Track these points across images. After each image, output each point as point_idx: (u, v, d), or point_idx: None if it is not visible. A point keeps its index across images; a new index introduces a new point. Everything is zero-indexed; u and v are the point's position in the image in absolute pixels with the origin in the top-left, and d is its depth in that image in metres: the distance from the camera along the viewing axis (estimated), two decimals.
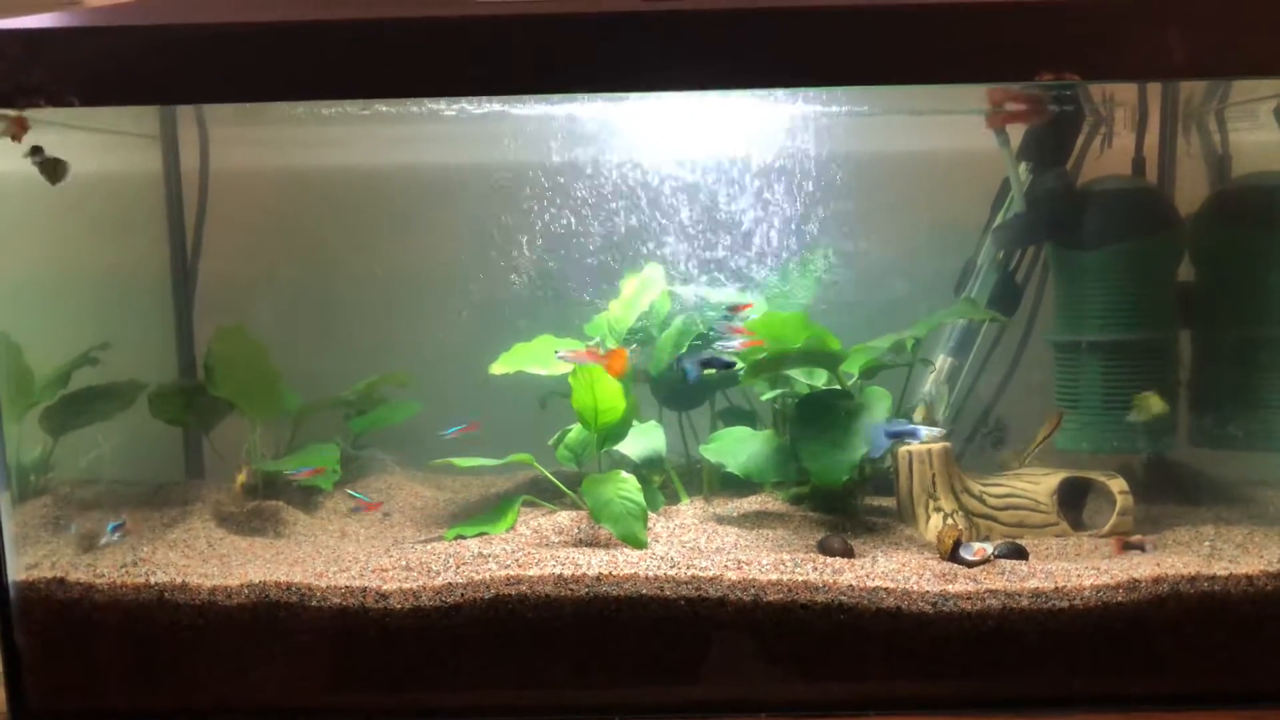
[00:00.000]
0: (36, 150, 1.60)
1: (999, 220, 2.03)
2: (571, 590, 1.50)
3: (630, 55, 1.42)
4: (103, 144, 1.97)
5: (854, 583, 1.50)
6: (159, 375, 2.09)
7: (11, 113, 1.53)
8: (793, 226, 1.96)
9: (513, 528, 1.77)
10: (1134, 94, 1.92)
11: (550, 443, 1.94)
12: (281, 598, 1.52)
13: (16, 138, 1.57)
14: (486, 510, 1.86)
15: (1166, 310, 1.94)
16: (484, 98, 1.66)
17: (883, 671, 1.51)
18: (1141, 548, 1.68)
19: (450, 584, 1.52)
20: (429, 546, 1.70)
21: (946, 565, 1.57)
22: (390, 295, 2.18)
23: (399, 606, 1.51)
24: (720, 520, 1.81)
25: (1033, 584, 1.51)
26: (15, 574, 1.55)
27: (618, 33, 1.41)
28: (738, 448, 1.87)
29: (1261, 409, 1.89)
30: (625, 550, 1.63)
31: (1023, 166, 2.00)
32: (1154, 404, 1.82)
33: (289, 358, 2.04)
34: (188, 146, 2.14)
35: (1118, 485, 1.81)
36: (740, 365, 1.79)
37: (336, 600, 1.51)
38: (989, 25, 1.40)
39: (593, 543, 1.70)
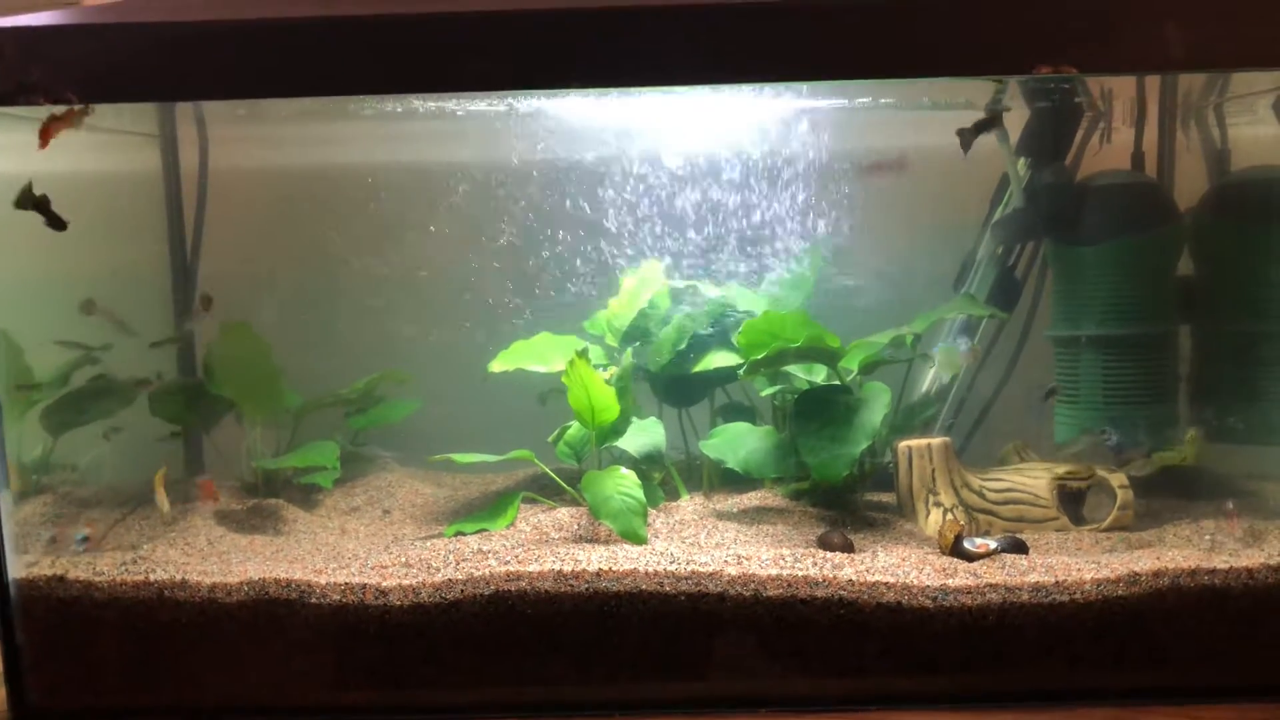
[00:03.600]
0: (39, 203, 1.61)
1: (998, 215, 2.03)
2: (571, 586, 1.50)
3: (626, 51, 1.42)
4: (101, 143, 1.97)
5: (854, 578, 1.50)
6: (160, 373, 2.09)
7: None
8: (791, 223, 1.96)
9: (513, 524, 1.76)
10: (1132, 88, 1.92)
11: (550, 439, 1.94)
12: (281, 595, 1.52)
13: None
14: (486, 507, 1.86)
15: (1166, 305, 1.94)
16: (486, 94, 1.66)
17: (883, 666, 1.51)
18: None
19: (450, 580, 1.52)
20: (429, 543, 1.70)
21: (947, 560, 1.57)
22: (389, 294, 2.18)
23: (399, 603, 1.51)
24: (720, 516, 1.81)
25: (1033, 578, 1.51)
26: (15, 572, 1.55)
27: (616, 27, 1.41)
28: (738, 443, 1.87)
29: (1261, 403, 1.89)
30: (625, 546, 1.63)
31: (1022, 162, 2.00)
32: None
33: (288, 356, 2.04)
34: (187, 145, 2.14)
35: (1118, 480, 1.81)
36: None
37: (336, 597, 1.51)
38: (985, 17, 1.39)
39: (593, 539, 1.70)
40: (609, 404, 1.80)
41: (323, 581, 1.52)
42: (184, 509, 1.86)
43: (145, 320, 2.17)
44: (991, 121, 1.73)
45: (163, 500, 1.81)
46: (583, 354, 1.77)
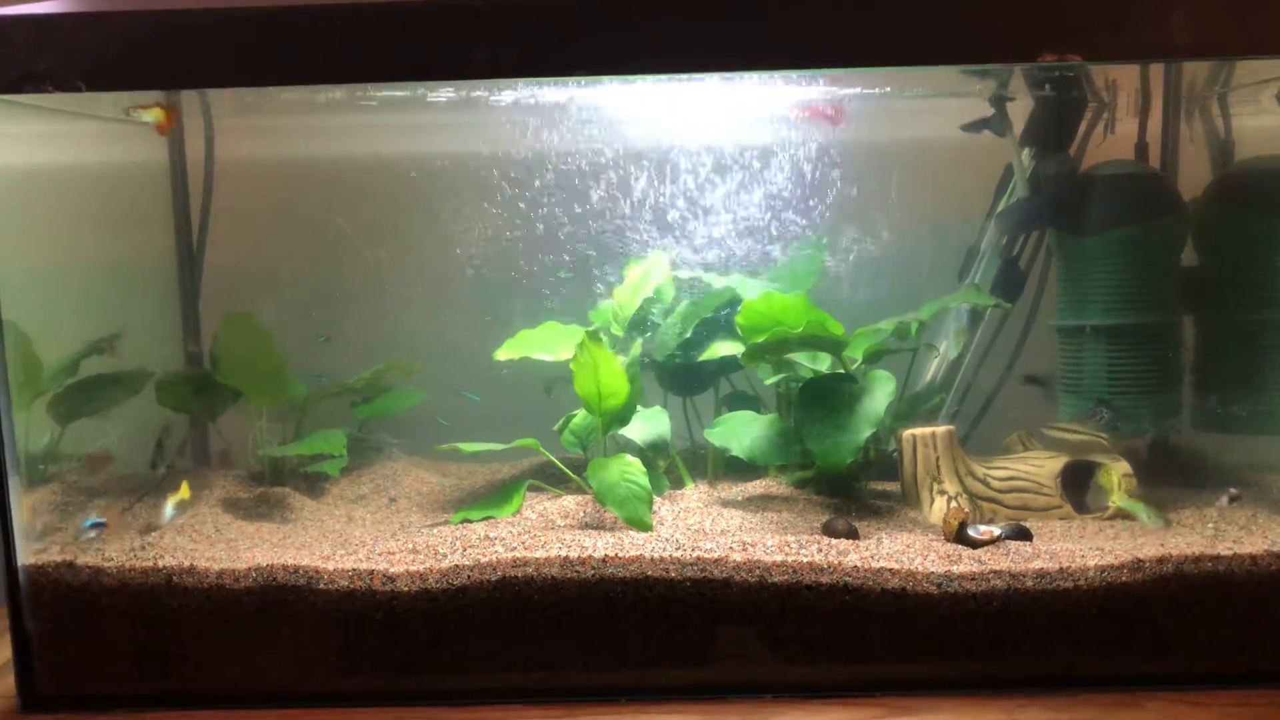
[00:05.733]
0: None
1: (1002, 205, 2.04)
2: (577, 572, 1.51)
3: (628, 38, 1.42)
4: (108, 133, 1.98)
5: (859, 564, 1.51)
6: (166, 363, 2.10)
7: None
8: (798, 211, 1.97)
9: (519, 511, 1.77)
10: (1136, 78, 1.92)
11: (555, 428, 1.95)
12: (289, 581, 1.52)
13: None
14: (492, 494, 1.87)
15: (1169, 295, 1.94)
16: (493, 83, 1.67)
17: (888, 652, 1.52)
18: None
19: (457, 566, 1.52)
20: (435, 530, 1.71)
21: (951, 547, 1.58)
22: (395, 283, 2.18)
23: (406, 589, 1.51)
24: (725, 504, 1.82)
25: (1037, 565, 1.51)
26: (24, 558, 1.56)
27: (620, 14, 1.41)
28: (742, 431, 1.87)
29: (1264, 392, 1.89)
30: (631, 533, 1.64)
31: (1026, 152, 2.00)
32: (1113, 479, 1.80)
33: (294, 346, 2.05)
34: (193, 136, 2.14)
35: (1122, 468, 1.81)
36: None
37: (343, 583, 1.52)
38: (990, 5, 1.40)
39: (598, 526, 1.71)
40: (617, 389, 1.80)
41: (330, 568, 1.53)
42: (191, 497, 1.86)
43: (148, 314, 2.18)
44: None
45: (166, 512, 1.81)
46: (594, 336, 1.77)
